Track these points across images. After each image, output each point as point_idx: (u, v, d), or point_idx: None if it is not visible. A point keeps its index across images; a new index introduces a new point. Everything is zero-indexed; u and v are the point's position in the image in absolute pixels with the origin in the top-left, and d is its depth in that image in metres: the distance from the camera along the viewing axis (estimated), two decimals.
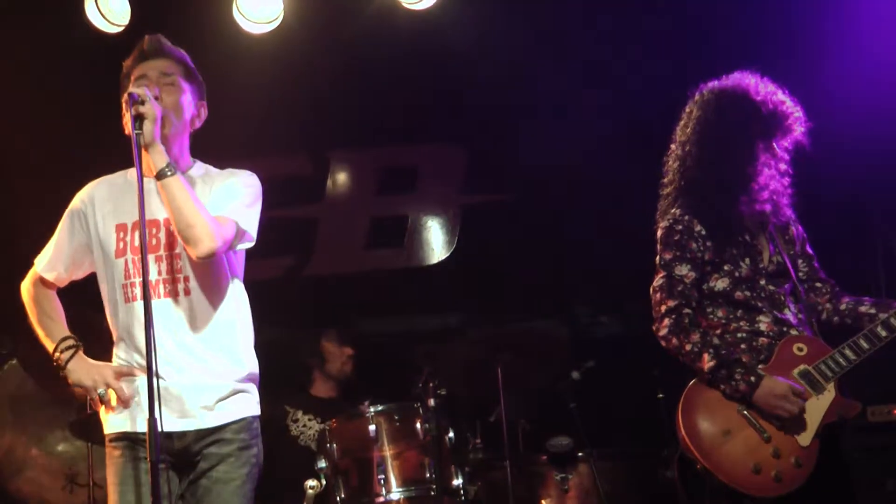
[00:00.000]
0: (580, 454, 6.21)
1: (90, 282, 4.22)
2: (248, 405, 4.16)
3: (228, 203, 4.11)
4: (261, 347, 6.38)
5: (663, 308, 4.44)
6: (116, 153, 4.32)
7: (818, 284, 4.68)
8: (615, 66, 6.86)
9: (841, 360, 4.38)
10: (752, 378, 4.28)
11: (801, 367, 4.35)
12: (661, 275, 4.51)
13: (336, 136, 7.71)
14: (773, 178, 4.53)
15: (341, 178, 7.91)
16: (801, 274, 4.65)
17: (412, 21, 6.65)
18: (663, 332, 4.43)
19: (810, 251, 4.72)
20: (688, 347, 4.36)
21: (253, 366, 4.20)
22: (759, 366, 4.36)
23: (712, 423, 4.33)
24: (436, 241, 7.88)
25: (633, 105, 6.76)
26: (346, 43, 6.86)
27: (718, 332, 4.46)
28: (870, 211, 6.81)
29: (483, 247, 7.72)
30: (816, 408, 4.31)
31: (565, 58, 6.93)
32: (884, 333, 4.43)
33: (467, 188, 7.84)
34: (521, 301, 7.49)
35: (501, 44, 6.79)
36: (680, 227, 4.49)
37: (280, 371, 6.75)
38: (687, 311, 4.40)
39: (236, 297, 4.20)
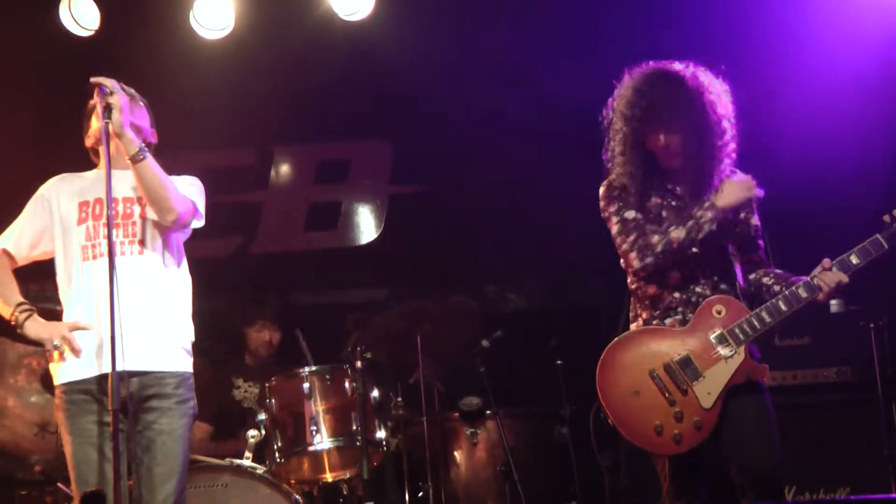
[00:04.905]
0: (488, 412, 6.39)
1: None
2: (185, 362, 4.39)
3: (183, 189, 4.42)
4: (211, 316, 6.54)
5: (625, 246, 4.39)
6: (79, 151, 4.64)
7: (754, 258, 4.57)
8: (535, 69, 6.97)
9: (756, 322, 4.29)
10: (707, 203, 4.31)
11: (717, 330, 4.31)
12: (612, 222, 4.46)
13: (279, 133, 7.91)
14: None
15: (283, 168, 8.07)
16: (736, 242, 4.52)
17: (348, 31, 6.93)
18: (636, 264, 4.38)
19: (757, 223, 4.57)
20: (659, 248, 4.33)
21: (190, 331, 4.44)
22: (679, 328, 4.34)
23: (624, 383, 4.34)
24: (365, 225, 8.05)
25: (551, 105, 6.94)
26: (289, 49, 7.05)
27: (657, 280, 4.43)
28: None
29: (407, 231, 7.87)
30: (724, 370, 4.28)
31: (489, 67, 7.17)
32: (804, 294, 4.29)
33: (394, 180, 8.00)
34: (438, 279, 7.59)
35: (427, 53, 7.06)
36: (617, 184, 4.47)
37: (225, 339, 6.90)
38: (643, 237, 4.36)
39: (181, 267, 4.47)
